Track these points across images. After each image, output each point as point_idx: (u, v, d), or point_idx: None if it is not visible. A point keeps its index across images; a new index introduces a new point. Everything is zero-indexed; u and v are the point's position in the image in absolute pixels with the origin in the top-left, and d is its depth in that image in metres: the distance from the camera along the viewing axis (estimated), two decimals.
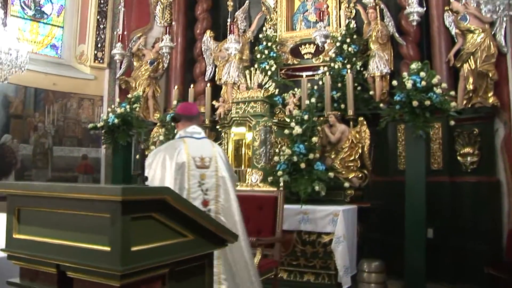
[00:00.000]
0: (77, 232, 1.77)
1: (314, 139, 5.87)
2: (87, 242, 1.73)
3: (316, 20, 7.37)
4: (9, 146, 7.85)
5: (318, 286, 5.54)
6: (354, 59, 7.49)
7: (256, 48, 8.35)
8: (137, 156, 7.17)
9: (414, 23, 6.60)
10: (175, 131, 4.07)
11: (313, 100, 6.26)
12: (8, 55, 6.60)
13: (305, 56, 8.30)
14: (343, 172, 6.22)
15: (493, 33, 6.47)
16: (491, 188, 6.37)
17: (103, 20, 9.03)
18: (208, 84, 7.80)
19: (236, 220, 3.60)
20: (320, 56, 8.12)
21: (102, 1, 9.00)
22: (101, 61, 8.95)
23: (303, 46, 8.32)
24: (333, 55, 7.66)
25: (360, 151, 6.29)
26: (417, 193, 5.73)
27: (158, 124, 7.33)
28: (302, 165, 5.76)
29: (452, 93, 5.98)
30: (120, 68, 8.88)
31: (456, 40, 6.84)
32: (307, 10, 8.54)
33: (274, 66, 8.05)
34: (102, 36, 9.00)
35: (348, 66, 7.35)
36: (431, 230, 6.41)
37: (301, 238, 5.57)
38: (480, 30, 6.46)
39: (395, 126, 6.86)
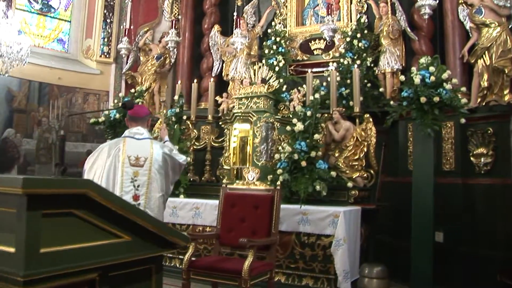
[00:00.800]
0: None
1: (317, 136, 5.60)
2: None
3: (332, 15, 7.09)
4: (11, 141, 7.77)
5: None
6: (364, 54, 7.20)
7: (264, 43, 8.11)
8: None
9: (426, 17, 6.27)
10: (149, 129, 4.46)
11: (317, 96, 5.98)
12: (9, 48, 6.50)
13: (315, 52, 8.04)
14: (347, 172, 5.94)
15: (510, 26, 6.11)
16: (506, 191, 5.98)
17: (110, 15, 8.92)
18: (212, 79, 7.59)
19: (160, 209, 4.01)
20: (330, 52, 7.87)
21: None
22: (107, 56, 8.81)
23: (313, 42, 8.06)
24: (343, 51, 7.38)
25: (365, 149, 6.00)
26: (424, 195, 5.47)
27: (160, 120, 7.14)
28: (303, 163, 5.49)
29: (463, 89, 5.66)
30: (127, 63, 8.73)
31: (470, 35, 6.50)
32: (317, 5, 8.26)
33: (283, 62, 7.80)
34: (109, 31, 8.86)
35: (358, 62, 7.08)
36: (441, 234, 6.08)
37: (300, 240, 5.31)
38: (496, 23, 6.11)
39: (406, 125, 6.55)
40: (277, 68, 7.66)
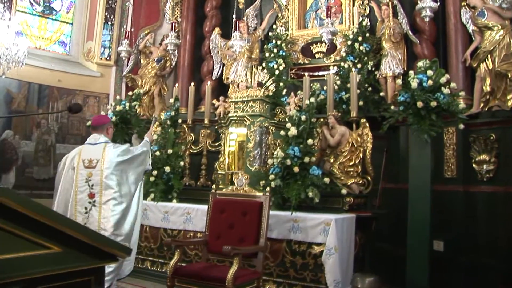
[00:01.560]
0: None
1: (310, 141, 5.45)
2: None
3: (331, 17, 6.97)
4: (10, 142, 7.76)
5: None
6: (365, 58, 7.05)
7: (265, 46, 8.00)
8: None
9: (427, 19, 6.13)
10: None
11: (313, 100, 5.83)
12: (6, 50, 6.48)
13: (317, 56, 7.92)
14: (342, 178, 5.78)
15: None
16: (509, 199, 5.78)
17: (112, 17, 8.88)
18: (209, 83, 7.51)
19: (120, 208, 4.32)
20: (332, 56, 7.74)
21: None
22: (108, 58, 8.77)
23: (314, 45, 7.94)
24: (344, 54, 7.24)
25: (361, 155, 5.83)
26: (421, 203, 5.32)
27: (156, 123, 7.05)
28: (296, 169, 5.35)
29: (462, 93, 5.48)
30: (127, 65, 8.68)
31: (473, 38, 6.31)
32: (319, 8, 8.14)
33: (283, 65, 7.68)
34: (110, 33, 8.82)
35: (359, 65, 6.94)
36: (442, 243, 5.91)
37: (291, 247, 5.15)
38: (499, 26, 5.92)
39: (406, 130, 6.36)
40: (277, 72, 7.54)
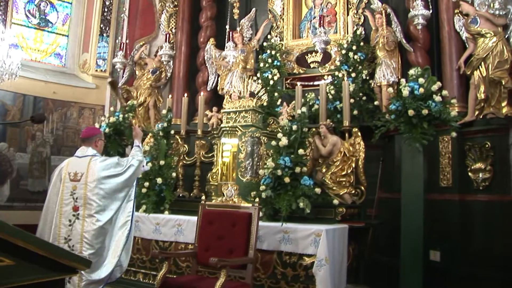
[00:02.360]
0: None
1: (301, 151, 5.39)
2: None
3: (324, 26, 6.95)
4: (4, 155, 7.74)
5: None
6: (360, 67, 7.01)
7: (260, 56, 7.98)
8: None
9: (419, 27, 6.10)
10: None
11: (304, 109, 5.78)
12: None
13: (311, 65, 7.90)
14: (334, 188, 5.71)
15: (506, 36, 5.86)
16: (505, 207, 5.68)
17: (107, 29, 8.88)
18: (202, 94, 7.46)
19: (102, 223, 4.24)
20: (326, 65, 7.70)
21: (106, 10, 8.85)
22: (103, 70, 8.77)
23: (309, 55, 7.92)
24: (339, 64, 7.21)
25: (353, 165, 5.76)
26: (414, 212, 5.26)
27: (149, 134, 7.03)
28: (287, 180, 5.28)
29: (454, 101, 5.43)
30: (123, 77, 8.66)
31: (467, 46, 6.26)
32: (314, 17, 8.10)
33: (278, 75, 7.65)
34: (106, 45, 8.82)
35: (353, 74, 6.90)
36: (438, 253, 5.81)
37: (282, 259, 5.07)
38: (492, 33, 5.86)
39: (402, 139, 6.30)
40: (272, 82, 7.51)
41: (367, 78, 7.04)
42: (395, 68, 6.87)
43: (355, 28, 7.43)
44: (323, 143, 5.91)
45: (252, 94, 6.32)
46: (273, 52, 7.81)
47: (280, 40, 8.12)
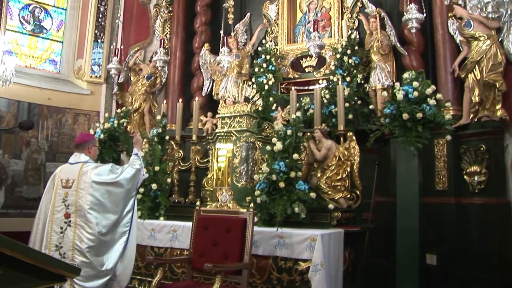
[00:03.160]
0: None
1: (296, 155, 5.37)
2: None
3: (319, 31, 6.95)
4: None
5: None
6: (354, 71, 7.01)
7: (254, 61, 7.98)
8: None
9: (413, 30, 6.12)
10: None
11: (299, 114, 5.77)
12: None
13: (306, 70, 7.90)
14: (329, 192, 5.69)
15: (500, 39, 5.88)
16: (501, 210, 5.71)
17: (101, 35, 8.87)
18: (197, 99, 7.44)
19: (94, 231, 4.15)
20: (321, 70, 7.70)
21: (100, 16, 8.85)
22: (98, 76, 8.75)
23: (304, 59, 7.93)
24: (334, 68, 7.22)
25: (348, 169, 5.75)
26: (409, 216, 5.25)
27: (144, 140, 7.00)
28: (281, 184, 5.26)
29: (448, 104, 5.42)
30: (118, 83, 8.65)
31: (461, 49, 6.28)
32: (309, 22, 8.12)
33: (273, 80, 7.64)
34: (100, 51, 8.81)
35: (348, 79, 6.90)
36: (434, 256, 5.79)
37: (277, 264, 5.04)
38: (486, 36, 5.88)
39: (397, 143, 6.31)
40: (266, 87, 7.50)
41: (362, 82, 7.05)
42: (389, 72, 6.87)
43: (350, 32, 7.45)
44: (318, 148, 5.90)
45: (247, 99, 6.32)
46: (267, 57, 7.81)
47: (275, 45, 8.13)
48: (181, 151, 7.27)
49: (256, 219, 5.07)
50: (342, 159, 5.76)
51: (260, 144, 6.12)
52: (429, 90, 5.17)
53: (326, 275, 4.72)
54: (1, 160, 7.72)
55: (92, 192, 4.20)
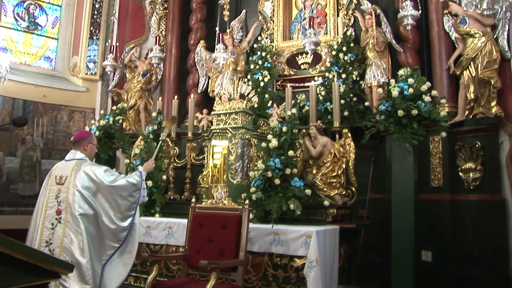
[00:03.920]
0: None
1: (291, 152, 5.37)
2: None
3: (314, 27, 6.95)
4: None
5: None
6: (350, 68, 7.01)
7: (250, 58, 7.97)
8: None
9: (409, 27, 6.12)
10: None
11: (294, 111, 5.77)
12: None
13: (302, 67, 7.90)
14: (325, 189, 5.69)
15: (495, 36, 5.88)
16: (496, 207, 5.72)
17: (97, 32, 8.85)
18: (192, 96, 7.42)
19: (82, 230, 4.10)
20: (317, 66, 7.71)
21: (95, 12, 8.81)
22: (93, 73, 8.73)
23: (299, 56, 7.93)
24: (329, 65, 7.22)
25: (344, 166, 5.76)
26: (405, 212, 5.26)
27: (140, 137, 7.00)
28: (277, 181, 5.26)
29: (443, 100, 5.43)
30: (113, 80, 8.63)
31: (456, 46, 6.29)
32: (304, 19, 8.11)
33: (268, 77, 7.64)
34: (95, 48, 8.79)
35: (344, 76, 6.90)
36: (430, 253, 5.81)
37: (273, 261, 5.04)
38: (481, 33, 5.89)
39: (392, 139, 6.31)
40: (262, 83, 7.50)
41: (358, 79, 7.06)
42: (385, 68, 6.88)
43: (345, 29, 7.45)
44: (313, 144, 5.90)
45: (242, 96, 6.30)
46: (263, 54, 7.81)
47: (271, 42, 8.13)
48: (176, 148, 7.27)
49: (251, 216, 5.08)
50: (338, 156, 5.76)
51: (255, 141, 6.11)
52: (424, 87, 5.17)
53: (322, 271, 4.72)
54: None
55: (82, 190, 4.17)
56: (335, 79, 6.57)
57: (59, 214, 4.17)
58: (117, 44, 8.42)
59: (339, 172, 5.77)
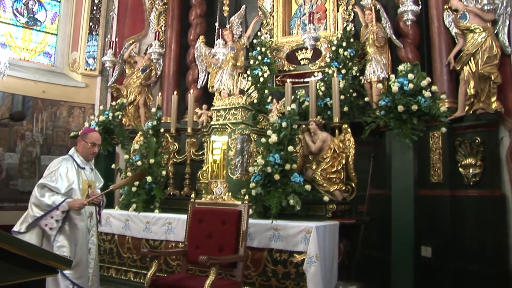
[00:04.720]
0: None
1: (291, 148, 5.37)
2: None
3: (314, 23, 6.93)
4: None
5: None
6: (350, 63, 6.99)
7: (250, 54, 7.95)
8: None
9: (409, 23, 6.11)
10: None
11: (294, 106, 5.75)
12: None
13: (302, 62, 7.88)
14: (325, 185, 5.69)
15: (495, 32, 5.86)
16: (495, 203, 5.71)
17: (96, 27, 8.82)
18: (192, 91, 7.42)
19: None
20: (317, 62, 7.69)
21: (95, 8, 8.79)
22: (93, 69, 8.71)
23: (299, 52, 7.90)
24: (329, 60, 7.20)
25: (343, 161, 5.75)
26: (404, 208, 5.25)
27: (139, 133, 7.00)
28: (276, 177, 5.26)
29: (443, 96, 5.42)
30: (112, 75, 8.61)
31: (456, 41, 6.26)
32: (304, 14, 8.09)
33: (268, 72, 7.61)
34: (95, 43, 8.77)
35: (343, 71, 6.88)
36: (429, 249, 5.80)
37: (272, 256, 5.05)
38: (481, 29, 5.86)
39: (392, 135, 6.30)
40: (262, 79, 7.48)
41: (358, 74, 7.04)
42: (385, 64, 6.86)
43: (345, 24, 7.42)
44: (313, 140, 5.89)
45: (242, 92, 6.30)
46: (263, 49, 7.78)
47: (270, 37, 8.10)
48: (176, 144, 7.27)
49: (251, 211, 5.09)
50: (337, 152, 5.75)
51: (255, 137, 6.12)
52: (424, 82, 5.16)
53: (321, 267, 4.74)
54: None
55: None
56: (335, 74, 6.56)
57: None
58: (117, 39, 8.39)
59: (339, 168, 5.76)
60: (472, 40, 5.93)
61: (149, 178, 6.20)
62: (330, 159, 5.75)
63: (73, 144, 8.06)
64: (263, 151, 5.65)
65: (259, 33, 8.15)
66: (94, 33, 8.84)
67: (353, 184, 5.90)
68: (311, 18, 6.66)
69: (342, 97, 6.51)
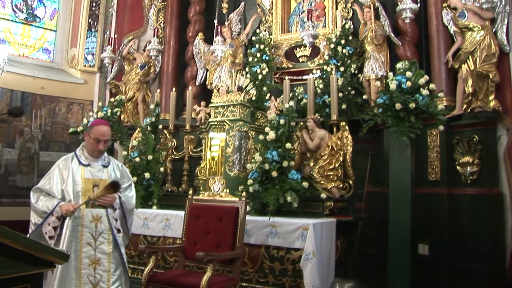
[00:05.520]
0: None
1: (288, 145, 5.38)
2: None
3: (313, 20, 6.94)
4: None
5: None
6: (348, 61, 7.00)
7: (248, 51, 7.95)
8: None
9: (407, 21, 6.12)
10: None
11: (292, 103, 5.77)
12: None
13: (300, 59, 7.87)
14: (322, 182, 5.71)
15: (494, 30, 5.87)
16: (493, 201, 5.74)
17: (95, 24, 8.82)
18: (190, 88, 7.42)
19: None
20: (315, 59, 7.68)
21: (94, 4, 8.80)
22: (91, 65, 8.72)
23: (298, 49, 7.90)
24: (328, 58, 7.20)
25: (341, 159, 5.76)
26: (402, 206, 5.26)
27: (138, 129, 7.01)
28: (274, 174, 5.27)
29: (441, 94, 5.42)
30: (111, 72, 8.62)
31: (455, 39, 6.27)
32: (303, 12, 8.08)
33: (266, 69, 7.61)
34: (94, 40, 8.77)
35: (342, 69, 6.89)
36: (427, 246, 5.82)
37: (269, 253, 5.06)
38: (480, 27, 5.86)
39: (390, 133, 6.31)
40: (260, 76, 7.48)
41: (356, 72, 7.04)
42: (383, 62, 6.85)
43: (344, 22, 7.41)
44: (311, 137, 5.91)
45: (240, 89, 6.31)
46: (261, 47, 7.78)
47: (269, 35, 8.08)
48: (174, 140, 7.28)
49: (248, 208, 5.11)
50: (335, 149, 5.77)
51: (253, 134, 6.14)
52: (422, 80, 5.17)
53: (318, 264, 4.75)
54: None
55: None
56: (333, 72, 6.57)
57: None
58: (116, 36, 8.39)
59: (337, 165, 5.78)
60: (471, 38, 5.93)
61: (147, 175, 6.22)
62: (327, 156, 5.76)
63: (72, 140, 8.20)
64: (261, 148, 5.67)
65: (257, 31, 8.14)
66: (93, 29, 8.84)
67: (351, 182, 5.92)
68: (309, 15, 6.67)
69: (340, 94, 6.52)
